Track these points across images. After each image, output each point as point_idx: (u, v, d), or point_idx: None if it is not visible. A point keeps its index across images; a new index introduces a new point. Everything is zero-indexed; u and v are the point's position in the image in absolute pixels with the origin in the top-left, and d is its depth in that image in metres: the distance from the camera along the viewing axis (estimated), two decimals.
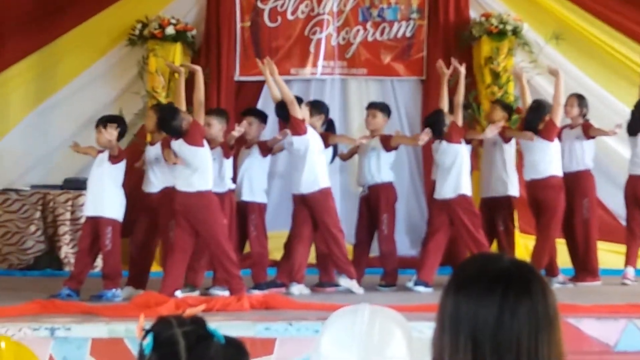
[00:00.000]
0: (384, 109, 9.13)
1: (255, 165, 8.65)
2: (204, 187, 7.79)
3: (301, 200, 8.39)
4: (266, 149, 8.67)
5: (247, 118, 8.77)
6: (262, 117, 8.92)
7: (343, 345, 2.06)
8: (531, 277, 1.79)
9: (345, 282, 8.31)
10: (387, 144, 8.87)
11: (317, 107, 8.90)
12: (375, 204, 8.89)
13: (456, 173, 8.50)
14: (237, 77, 11.08)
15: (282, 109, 8.32)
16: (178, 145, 7.85)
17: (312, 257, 8.80)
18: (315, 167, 8.30)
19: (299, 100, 8.53)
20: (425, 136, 8.67)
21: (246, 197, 8.60)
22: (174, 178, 7.93)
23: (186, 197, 7.78)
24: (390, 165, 9.00)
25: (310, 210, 8.35)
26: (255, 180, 8.63)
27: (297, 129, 8.24)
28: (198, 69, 8.08)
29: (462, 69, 8.82)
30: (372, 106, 9.17)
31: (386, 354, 2.07)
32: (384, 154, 8.89)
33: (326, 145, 8.69)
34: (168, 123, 7.89)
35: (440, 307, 1.80)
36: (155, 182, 8.29)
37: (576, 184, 9.02)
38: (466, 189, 8.55)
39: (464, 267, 1.86)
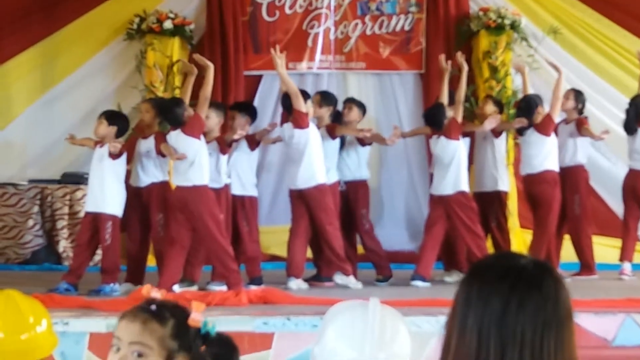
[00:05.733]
0: (361, 105, 9.14)
1: (243, 159, 8.61)
2: (200, 181, 7.76)
3: (297, 195, 8.37)
4: (254, 142, 8.62)
5: (230, 112, 8.75)
6: (249, 112, 8.87)
7: (352, 340, 2.07)
8: (545, 274, 1.80)
9: (341, 279, 8.29)
10: (361, 138, 8.85)
11: (327, 98, 8.91)
12: (353, 200, 8.87)
13: (455, 170, 8.47)
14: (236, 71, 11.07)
15: (288, 99, 8.29)
16: (175, 135, 7.82)
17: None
18: (314, 162, 8.26)
19: (306, 95, 8.52)
20: (396, 137, 8.70)
21: (236, 191, 8.55)
22: (176, 173, 7.90)
23: (182, 191, 7.76)
24: (367, 162, 9.00)
25: (306, 205, 8.33)
26: (244, 174, 8.59)
27: (300, 121, 8.22)
28: (210, 65, 8.01)
29: (466, 66, 8.80)
30: (350, 100, 9.21)
31: (394, 350, 2.08)
32: (361, 149, 8.89)
33: (333, 136, 8.68)
34: (171, 110, 7.88)
35: (455, 294, 1.84)
36: (143, 176, 8.25)
37: (567, 179, 9.01)
38: (464, 185, 8.53)
39: (484, 260, 1.92)
